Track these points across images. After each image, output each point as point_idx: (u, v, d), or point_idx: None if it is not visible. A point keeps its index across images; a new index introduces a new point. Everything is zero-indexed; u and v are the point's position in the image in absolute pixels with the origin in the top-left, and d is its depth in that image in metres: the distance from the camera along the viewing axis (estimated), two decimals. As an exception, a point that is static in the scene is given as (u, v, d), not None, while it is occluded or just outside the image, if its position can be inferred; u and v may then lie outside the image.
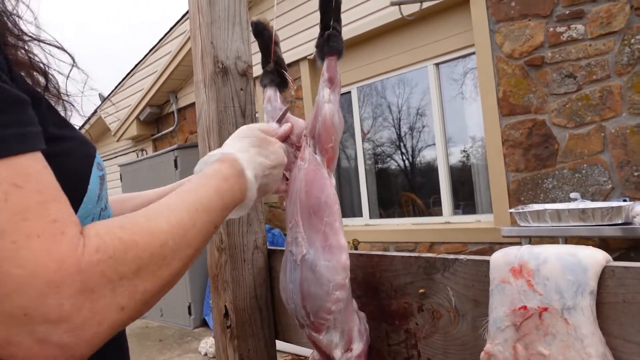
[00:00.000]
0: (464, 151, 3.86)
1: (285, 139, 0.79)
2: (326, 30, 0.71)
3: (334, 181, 0.74)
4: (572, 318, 0.51)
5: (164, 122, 6.59)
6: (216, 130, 0.94)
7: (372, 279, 0.76)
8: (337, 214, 0.71)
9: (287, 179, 0.80)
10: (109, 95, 7.38)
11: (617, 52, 2.77)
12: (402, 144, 4.33)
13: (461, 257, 0.65)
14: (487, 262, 0.62)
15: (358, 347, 0.74)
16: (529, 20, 3.10)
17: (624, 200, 2.55)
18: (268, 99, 0.82)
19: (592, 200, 2.79)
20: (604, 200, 2.80)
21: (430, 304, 0.69)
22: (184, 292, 4.75)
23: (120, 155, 7.42)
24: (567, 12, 2.94)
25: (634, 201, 2.35)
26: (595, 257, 0.52)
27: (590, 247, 0.54)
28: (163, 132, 6.46)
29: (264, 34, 0.80)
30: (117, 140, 7.01)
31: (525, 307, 0.55)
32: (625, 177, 2.76)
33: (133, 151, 7.10)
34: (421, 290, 0.70)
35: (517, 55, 3.17)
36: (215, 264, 0.95)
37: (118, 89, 7.21)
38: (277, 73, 0.83)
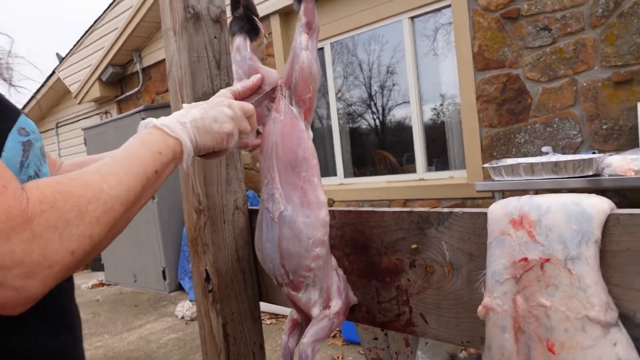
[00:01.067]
0: (434, 109, 3.84)
1: (254, 91, 0.73)
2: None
3: (311, 134, 0.70)
4: (576, 268, 0.49)
5: (128, 82, 6.30)
6: (189, 83, 0.87)
7: (361, 235, 0.73)
8: (315, 169, 0.68)
9: (260, 133, 0.76)
10: (66, 55, 6.97)
11: (592, 4, 2.75)
12: (373, 102, 4.29)
13: (456, 210, 0.62)
14: (484, 214, 0.59)
15: (336, 304, 0.73)
16: (505, -29, 3.03)
17: (593, 153, 2.60)
18: (237, 47, 0.76)
19: (563, 153, 2.84)
20: (574, 153, 2.85)
21: (422, 259, 0.67)
22: (158, 256, 4.69)
23: (84, 118, 7.10)
24: (543, -38, 2.88)
25: (603, 153, 2.40)
26: (600, 205, 0.50)
27: (594, 195, 0.52)
28: (127, 94, 6.19)
29: None
30: (79, 103, 6.68)
31: (525, 259, 0.53)
32: (595, 130, 2.81)
33: (97, 114, 6.80)
34: (413, 246, 0.67)
35: (493, 8, 3.11)
36: (194, 226, 0.90)
37: (76, 48, 6.79)
38: (247, 19, 0.76)
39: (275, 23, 4.42)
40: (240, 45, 0.76)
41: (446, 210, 0.63)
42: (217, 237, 0.89)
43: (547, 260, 0.51)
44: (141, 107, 4.63)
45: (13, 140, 0.50)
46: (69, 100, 7.33)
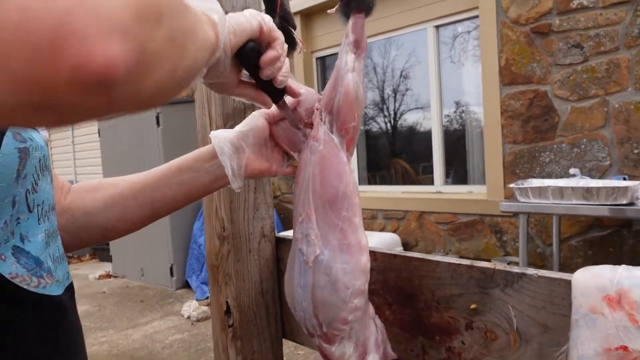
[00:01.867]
0: (453, 118, 3.75)
1: (293, 109, 0.64)
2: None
3: (351, 167, 0.61)
4: (695, 369, 0.40)
5: (143, 75, 6.25)
6: (218, 98, 0.78)
7: (407, 284, 0.65)
8: (356, 208, 0.59)
9: (293, 161, 0.68)
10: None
11: (628, 23, 2.64)
12: (385, 106, 4.20)
13: (530, 271, 0.54)
14: (567, 282, 0.50)
15: (373, 358, 0.64)
16: (539, -17, 2.93)
17: (624, 179, 2.49)
18: None
19: (590, 176, 2.73)
20: (602, 176, 2.74)
21: (482, 321, 0.58)
22: (166, 252, 4.63)
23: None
24: (580, -23, 2.77)
25: (634, 179, 2.30)
26: None
27: None
28: (142, 86, 6.14)
29: None
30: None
31: (625, 348, 0.44)
32: (625, 154, 2.70)
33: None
34: (472, 306, 0.58)
35: (523, 21, 3.01)
36: (216, 253, 0.82)
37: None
38: (283, 30, 0.67)
39: (297, 23, 4.34)
40: None
41: (516, 269, 0.55)
42: (242, 267, 0.80)
43: (655, 353, 0.42)
44: (156, 102, 4.57)
45: (9, 144, 0.44)
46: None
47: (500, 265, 0.56)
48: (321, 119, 0.63)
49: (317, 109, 0.65)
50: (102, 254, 6.11)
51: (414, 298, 0.65)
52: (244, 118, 0.80)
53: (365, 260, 0.60)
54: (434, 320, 0.63)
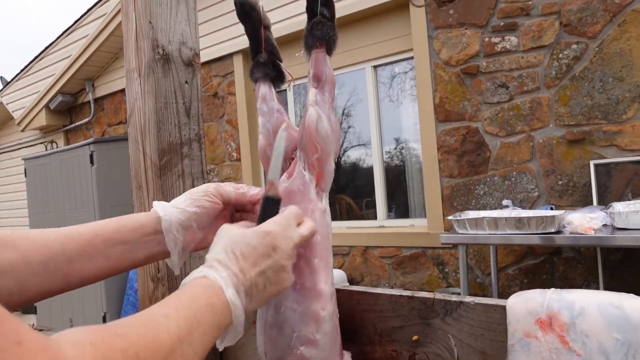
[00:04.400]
0: (393, 154, 3.87)
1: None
2: (313, 17, 0.57)
3: (324, 204, 0.59)
4: (623, 388, 0.42)
5: (78, 112, 6.00)
6: (154, 133, 0.76)
7: (350, 320, 0.63)
8: (318, 250, 0.57)
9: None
10: (12, 79, 6.59)
11: (546, 66, 2.89)
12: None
13: (467, 299, 0.54)
14: (502, 307, 0.51)
15: None
16: (466, 28, 3.16)
17: (551, 208, 2.66)
18: (263, 97, 0.66)
19: (521, 207, 2.89)
20: (532, 207, 2.91)
21: (425, 353, 0.58)
22: (98, 300, 4.33)
23: (26, 147, 6.67)
24: (502, 24, 3.02)
25: (563, 210, 2.45)
26: (644, 310, 0.43)
27: (633, 295, 0.45)
28: (77, 123, 5.88)
29: (251, 16, 0.63)
30: (22, 130, 6.28)
31: (558, 370, 0.45)
32: (551, 186, 2.89)
33: (41, 143, 6.40)
34: (414, 338, 0.58)
35: (454, 63, 3.21)
36: (150, 297, 0.77)
37: (24, 72, 6.45)
38: (272, 65, 0.66)
39: (238, 62, 4.38)
40: (266, 95, 0.66)
41: (454, 298, 0.55)
42: (177, 310, 0.76)
43: (586, 374, 0.43)
44: (90, 140, 4.38)
45: None
46: (11, 127, 6.89)
47: (439, 295, 0.57)
48: (299, 157, 0.61)
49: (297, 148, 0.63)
50: (28, 309, 5.61)
51: (356, 333, 0.63)
52: (180, 153, 0.78)
53: (317, 308, 0.56)
54: (378, 355, 0.62)
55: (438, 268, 3.34)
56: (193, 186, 0.79)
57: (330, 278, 0.57)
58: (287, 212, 0.54)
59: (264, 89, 0.65)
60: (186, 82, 0.80)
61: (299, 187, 0.58)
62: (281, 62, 0.67)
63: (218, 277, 0.46)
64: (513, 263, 3.03)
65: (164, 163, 0.76)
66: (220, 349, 0.48)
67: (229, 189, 0.60)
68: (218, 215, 0.60)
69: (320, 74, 0.59)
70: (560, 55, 2.84)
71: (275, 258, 0.50)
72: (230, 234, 0.50)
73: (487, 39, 3.08)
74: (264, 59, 0.65)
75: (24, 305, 0.52)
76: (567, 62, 2.82)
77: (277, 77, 0.66)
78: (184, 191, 0.77)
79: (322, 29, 0.57)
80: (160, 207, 0.57)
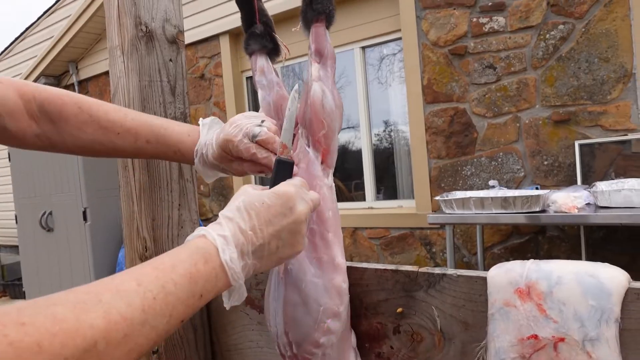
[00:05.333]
0: (381, 136, 3.88)
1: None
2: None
3: (331, 180, 0.60)
4: (596, 351, 0.43)
5: (62, 95, 5.89)
6: (138, 111, 0.75)
7: (336, 294, 0.65)
8: (329, 224, 0.57)
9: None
10: (-7, 61, 6.43)
11: (533, 46, 2.90)
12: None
13: (450, 271, 0.56)
14: (483, 279, 0.53)
15: None
16: (454, 9, 3.14)
17: (536, 188, 2.70)
18: (261, 70, 0.65)
19: (507, 187, 2.93)
20: (517, 187, 2.95)
21: (409, 324, 0.59)
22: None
23: (9, 130, 6.53)
24: (489, 4, 3.01)
25: (548, 189, 2.49)
26: (618, 278, 0.45)
27: (608, 265, 0.47)
28: (61, 107, 5.78)
29: None
30: (5, 114, 6.15)
31: (535, 336, 0.47)
32: (536, 166, 2.93)
33: (24, 127, 6.28)
34: (398, 310, 0.59)
35: (442, 44, 3.21)
36: (138, 275, 0.77)
37: (4, 54, 6.30)
38: (268, 36, 0.65)
39: (225, 43, 4.32)
40: (264, 67, 0.64)
41: (437, 271, 0.56)
42: (165, 288, 0.76)
43: (562, 339, 0.45)
44: (76, 123, 4.31)
45: None
46: (-8, 111, 6.74)
47: (422, 268, 0.58)
48: (300, 133, 0.61)
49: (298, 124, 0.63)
50: (13, 290, 5.58)
51: (343, 307, 0.65)
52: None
53: (339, 280, 0.56)
54: (363, 328, 0.63)
55: (426, 248, 3.38)
56: (179, 166, 0.79)
57: (343, 253, 0.58)
58: (299, 179, 0.54)
59: (262, 62, 0.65)
60: (170, 60, 0.79)
61: (305, 165, 0.58)
62: (275, 33, 0.66)
63: (217, 236, 0.45)
64: (499, 242, 3.08)
65: (150, 142, 0.75)
66: (227, 307, 0.48)
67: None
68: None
69: (322, 49, 0.58)
70: (547, 35, 2.84)
71: (292, 219, 0.49)
72: (247, 193, 0.50)
73: (475, 20, 3.07)
74: (260, 30, 0.64)
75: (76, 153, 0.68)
76: (554, 43, 2.83)
77: (273, 50, 0.65)
78: (170, 170, 0.77)
79: (322, 3, 0.56)
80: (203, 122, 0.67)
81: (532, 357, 0.47)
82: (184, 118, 0.81)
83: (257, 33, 0.64)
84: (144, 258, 0.77)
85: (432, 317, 0.57)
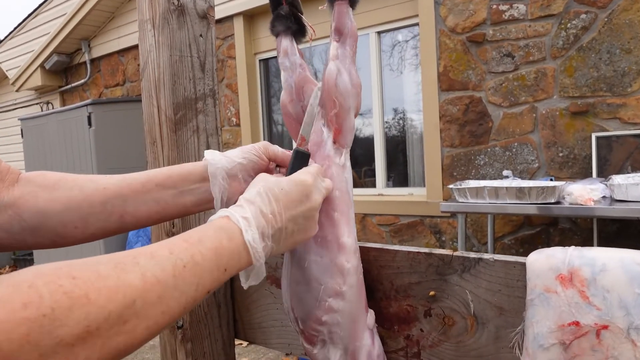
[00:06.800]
0: (395, 125, 3.85)
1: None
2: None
3: (343, 160, 0.59)
4: (642, 340, 0.43)
5: (74, 73, 5.90)
6: (168, 86, 0.75)
7: (366, 275, 0.64)
8: (336, 203, 0.57)
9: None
10: (5, 37, 6.44)
11: (553, 35, 2.84)
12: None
13: (486, 256, 0.55)
14: (522, 264, 0.52)
15: None
16: (474, -5, 3.09)
17: (550, 180, 2.67)
18: (284, 51, 0.64)
19: (521, 178, 2.90)
20: (531, 178, 2.93)
21: (440, 308, 0.59)
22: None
23: (21, 107, 6.57)
24: (510, -9, 2.95)
25: (563, 181, 2.47)
26: (666, 267, 0.44)
27: (655, 253, 0.46)
28: (73, 85, 5.79)
29: None
30: (17, 90, 6.17)
31: (577, 323, 0.46)
32: (551, 157, 2.90)
33: (37, 104, 6.31)
34: (431, 293, 0.59)
35: (460, 30, 3.16)
36: (164, 251, 0.77)
37: (17, 31, 6.29)
38: (293, 17, 0.64)
39: (239, 25, 4.29)
40: (288, 49, 0.64)
41: (473, 255, 0.56)
42: (191, 265, 0.77)
43: (605, 327, 0.45)
44: (88, 101, 4.32)
45: None
46: (5, 87, 6.77)
47: (457, 252, 0.57)
48: (320, 113, 0.61)
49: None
50: (24, 264, 5.66)
51: (373, 289, 0.64)
52: (195, 108, 0.77)
53: (342, 260, 0.56)
54: (393, 310, 0.63)
55: (435, 236, 3.38)
56: (207, 142, 0.79)
57: (353, 233, 0.58)
58: (316, 166, 0.56)
59: (286, 43, 0.64)
60: (201, 35, 0.78)
61: (317, 143, 0.58)
62: (302, 14, 0.65)
63: (240, 218, 0.47)
64: (510, 233, 3.07)
65: (179, 118, 0.75)
66: (245, 286, 0.50)
67: (277, 147, 0.62)
68: (263, 171, 0.61)
69: (342, 27, 0.57)
70: (569, 25, 2.79)
71: (308, 206, 0.52)
72: (266, 180, 0.52)
73: (494, 6, 3.02)
74: (285, 11, 0.63)
75: (89, 241, 0.57)
76: (575, 32, 2.77)
77: (298, 31, 0.64)
78: (198, 147, 0.76)
79: None
80: (209, 154, 0.60)
81: (572, 344, 0.46)
82: (213, 95, 0.80)
83: (283, 14, 0.64)
84: (170, 234, 0.77)
85: (465, 301, 0.57)
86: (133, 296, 0.34)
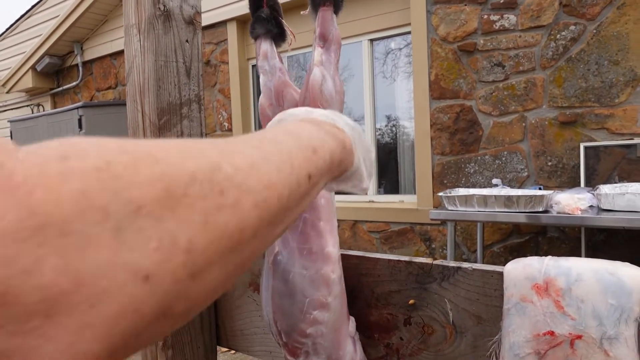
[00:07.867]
0: (387, 132, 3.87)
1: None
2: (322, -27, 0.56)
3: None
4: (614, 349, 0.43)
5: (66, 75, 5.86)
6: (153, 91, 0.74)
7: (347, 283, 0.64)
8: (322, 212, 0.57)
9: None
10: (-3, 38, 6.40)
11: (543, 46, 2.88)
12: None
13: (465, 265, 0.55)
14: (499, 273, 0.52)
15: None
16: (465, 5, 3.12)
17: (539, 189, 2.69)
18: (264, 54, 0.64)
19: (510, 187, 2.92)
20: (520, 187, 2.95)
21: (420, 316, 0.59)
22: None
23: (11, 109, 6.51)
24: (501, 1, 2.99)
25: (551, 190, 2.49)
26: (639, 278, 0.44)
27: (628, 264, 0.46)
28: (65, 87, 5.75)
29: None
30: (8, 92, 6.12)
31: (552, 333, 0.46)
32: (540, 167, 2.92)
33: (27, 105, 6.26)
34: (411, 302, 0.59)
35: (451, 39, 3.18)
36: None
37: (9, 32, 6.26)
38: (274, 21, 0.64)
39: (232, 30, 4.29)
40: (268, 52, 0.64)
41: (452, 264, 0.56)
42: (173, 271, 0.76)
43: (579, 337, 0.45)
44: (80, 103, 4.30)
45: None
46: (-5, 88, 6.71)
47: (437, 261, 0.58)
48: None
49: None
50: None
51: (354, 297, 0.64)
52: (180, 113, 0.77)
53: (328, 271, 0.56)
54: (373, 318, 0.63)
55: (425, 244, 3.39)
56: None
57: (337, 242, 0.58)
58: None
59: (265, 46, 0.64)
60: (187, 40, 0.78)
61: None
62: (283, 19, 0.65)
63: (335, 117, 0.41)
64: (499, 241, 3.09)
65: (163, 123, 0.75)
66: (333, 190, 0.44)
67: None
68: None
69: (326, 33, 0.58)
70: (558, 36, 2.83)
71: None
72: None
73: (485, 16, 3.05)
74: (266, 14, 0.63)
75: None
76: (564, 43, 2.81)
77: (278, 35, 0.65)
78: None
79: None
80: None
81: (547, 353, 0.47)
82: (198, 100, 0.80)
83: (263, 17, 0.64)
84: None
85: (444, 310, 0.57)
86: (215, 158, 0.24)
